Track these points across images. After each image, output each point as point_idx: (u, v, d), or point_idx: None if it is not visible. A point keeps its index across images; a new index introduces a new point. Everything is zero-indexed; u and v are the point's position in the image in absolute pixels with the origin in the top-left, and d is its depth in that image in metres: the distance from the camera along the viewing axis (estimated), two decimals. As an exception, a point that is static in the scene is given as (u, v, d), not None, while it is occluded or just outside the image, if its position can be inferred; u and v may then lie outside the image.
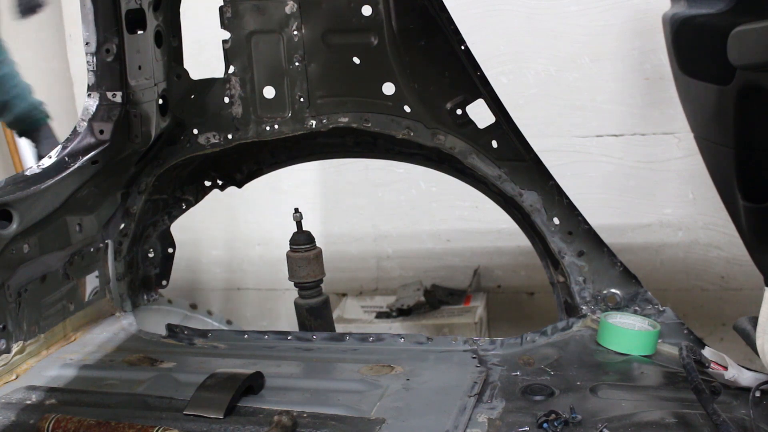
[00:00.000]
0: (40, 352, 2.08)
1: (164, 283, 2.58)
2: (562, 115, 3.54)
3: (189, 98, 2.28)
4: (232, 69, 2.22)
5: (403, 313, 3.60)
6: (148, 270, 2.52)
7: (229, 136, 2.26)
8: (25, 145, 3.88)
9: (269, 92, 2.22)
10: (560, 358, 1.96)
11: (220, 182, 2.57)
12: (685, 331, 2.01)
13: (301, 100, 2.20)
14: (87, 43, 2.14)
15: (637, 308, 2.07)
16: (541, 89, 3.53)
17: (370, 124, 2.18)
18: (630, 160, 3.53)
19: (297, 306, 2.39)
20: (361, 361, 2.01)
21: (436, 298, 3.66)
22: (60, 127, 3.16)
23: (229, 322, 3.56)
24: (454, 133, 2.14)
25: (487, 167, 2.15)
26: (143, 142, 2.23)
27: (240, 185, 2.59)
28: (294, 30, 2.16)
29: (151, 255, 2.52)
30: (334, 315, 3.09)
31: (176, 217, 2.55)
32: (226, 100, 2.24)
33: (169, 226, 2.55)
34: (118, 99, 2.15)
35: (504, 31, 3.51)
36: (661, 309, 2.06)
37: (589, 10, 3.43)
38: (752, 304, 1.73)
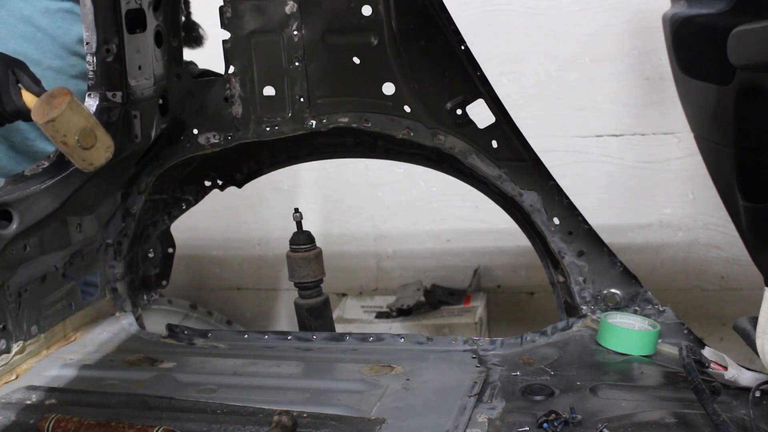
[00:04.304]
0: (40, 352, 2.08)
1: (164, 283, 2.58)
2: (562, 115, 3.54)
3: (189, 98, 2.28)
4: (232, 69, 2.22)
5: (403, 313, 3.60)
6: (148, 270, 2.52)
7: (229, 136, 2.26)
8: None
9: (269, 92, 2.22)
10: (560, 358, 1.95)
11: (220, 182, 2.57)
12: (685, 331, 2.01)
13: (301, 100, 2.20)
14: (87, 43, 2.14)
15: (637, 308, 2.07)
16: (541, 89, 3.53)
17: (370, 124, 2.18)
18: (630, 160, 3.54)
19: (297, 306, 2.39)
20: (361, 361, 2.01)
21: (436, 298, 3.66)
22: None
23: (229, 322, 3.57)
24: (454, 133, 2.14)
25: (487, 167, 2.14)
26: (143, 142, 2.23)
27: (240, 185, 2.59)
28: (294, 30, 2.16)
29: (151, 255, 2.52)
30: (334, 315, 3.09)
31: (176, 217, 2.55)
32: (226, 100, 2.24)
33: (169, 226, 2.55)
34: (118, 99, 2.15)
35: (504, 31, 3.51)
36: (661, 309, 2.06)
37: (589, 10, 3.43)
38: (752, 304, 1.73)
